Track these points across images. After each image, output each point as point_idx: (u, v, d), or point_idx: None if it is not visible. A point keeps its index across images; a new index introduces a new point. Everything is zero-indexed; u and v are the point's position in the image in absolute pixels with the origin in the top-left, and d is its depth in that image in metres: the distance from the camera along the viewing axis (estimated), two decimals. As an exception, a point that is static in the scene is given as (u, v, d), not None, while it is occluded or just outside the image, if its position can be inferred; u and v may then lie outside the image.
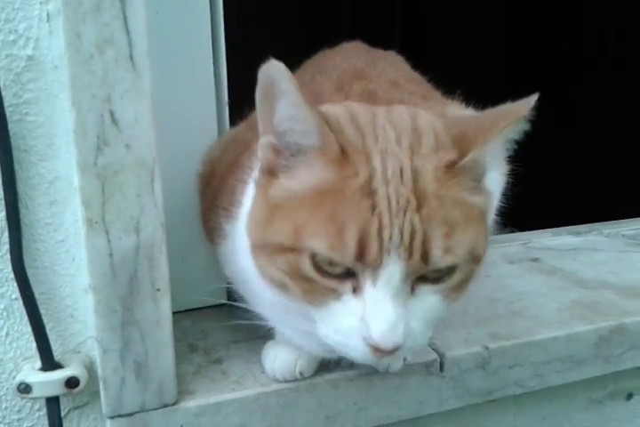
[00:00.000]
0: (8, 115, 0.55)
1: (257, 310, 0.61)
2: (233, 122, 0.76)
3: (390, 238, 0.46)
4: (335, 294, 0.48)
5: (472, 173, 0.50)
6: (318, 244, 0.46)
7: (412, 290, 0.49)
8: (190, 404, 0.60)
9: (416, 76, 0.76)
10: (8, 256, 0.57)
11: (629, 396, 0.92)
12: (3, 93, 0.54)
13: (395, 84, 0.68)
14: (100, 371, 0.57)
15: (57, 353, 0.61)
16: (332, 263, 0.47)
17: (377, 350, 0.47)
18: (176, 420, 0.60)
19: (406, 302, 0.48)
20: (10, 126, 0.55)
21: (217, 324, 0.77)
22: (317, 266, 0.47)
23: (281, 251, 0.48)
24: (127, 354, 0.57)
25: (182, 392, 0.61)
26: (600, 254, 1.08)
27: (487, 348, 0.72)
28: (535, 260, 1.06)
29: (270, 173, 0.51)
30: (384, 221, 0.46)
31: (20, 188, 0.56)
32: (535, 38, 1.39)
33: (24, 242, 0.57)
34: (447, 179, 0.48)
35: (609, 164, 1.53)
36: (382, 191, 0.47)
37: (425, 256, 0.47)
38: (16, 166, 0.55)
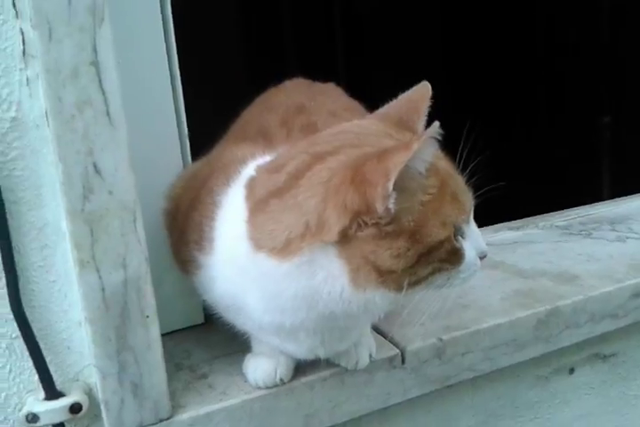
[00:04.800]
0: (-4, 171, 0.60)
1: (241, 328, 0.68)
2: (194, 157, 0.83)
3: None
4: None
5: None
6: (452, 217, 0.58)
7: None
8: (184, 417, 0.67)
9: (353, 104, 0.84)
10: (6, 298, 0.62)
11: (571, 370, 1.04)
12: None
13: (333, 114, 0.76)
14: (100, 395, 0.63)
15: (58, 383, 0.66)
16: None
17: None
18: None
19: None
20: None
21: (198, 343, 0.84)
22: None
23: (439, 247, 0.57)
24: (124, 377, 0.63)
25: (175, 407, 0.68)
26: (536, 246, 1.19)
27: (441, 339, 0.82)
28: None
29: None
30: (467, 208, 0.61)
31: (13, 235, 0.61)
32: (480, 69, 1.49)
33: (20, 284, 0.62)
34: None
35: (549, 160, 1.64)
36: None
37: None
38: (8, 216, 0.61)
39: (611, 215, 1.38)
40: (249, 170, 0.65)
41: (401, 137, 0.61)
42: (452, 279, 0.59)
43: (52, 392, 0.65)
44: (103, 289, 0.61)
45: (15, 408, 0.66)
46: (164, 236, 0.77)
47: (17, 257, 0.62)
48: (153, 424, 0.66)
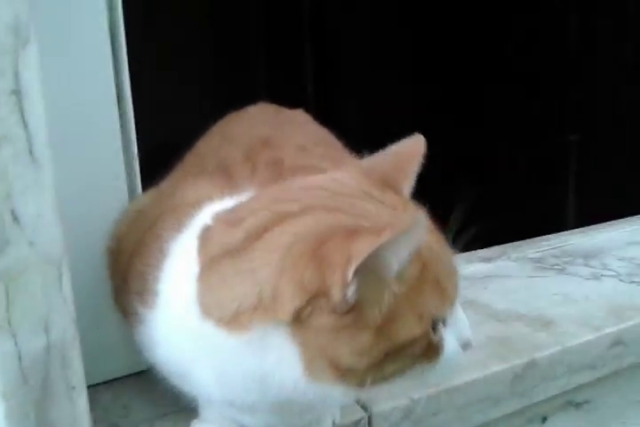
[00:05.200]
0: None
1: (189, 393, 0.59)
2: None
3: None
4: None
5: None
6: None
7: None
8: None
9: (325, 135, 0.76)
10: None
11: (544, 419, 0.98)
12: None
13: (302, 149, 0.67)
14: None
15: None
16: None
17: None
18: None
19: None
20: None
21: (139, 396, 0.74)
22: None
23: (412, 344, 0.48)
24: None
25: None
26: (510, 282, 1.13)
27: (411, 399, 0.74)
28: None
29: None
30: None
31: None
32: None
33: None
34: None
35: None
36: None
37: None
38: None
39: (583, 248, 1.34)
40: (205, 216, 0.56)
41: (386, 199, 0.53)
42: (427, 373, 0.51)
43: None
44: (20, 358, 0.51)
45: None
46: (104, 276, 0.67)
47: None
48: None
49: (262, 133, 0.69)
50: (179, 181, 0.65)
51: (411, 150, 0.56)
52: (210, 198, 0.58)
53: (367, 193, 0.52)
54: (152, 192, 0.69)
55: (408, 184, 0.55)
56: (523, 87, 1.54)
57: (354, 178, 0.55)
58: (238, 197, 0.57)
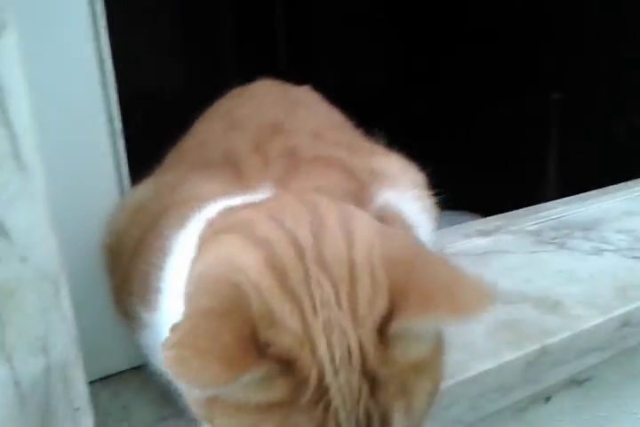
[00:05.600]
0: None
1: None
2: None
3: None
4: None
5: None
6: None
7: None
8: None
9: (337, 117, 0.69)
10: None
11: (547, 399, 0.97)
12: None
13: (317, 135, 0.61)
14: None
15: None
16: None
17: None
18: None
19: None
20: None
21: (141, 393, 0.70)
22: None
23: None
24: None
25: None
26: (511, 258, 1.10)
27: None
28: (451, 269, 1.07)
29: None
30: (341, 418, 0.40)
31: None
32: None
33: None
34: (387, 343, 0.41)
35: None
36: (335, 384, 0.40)
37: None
38: None
39: (580, 220, 1.31)
40: (210, 213, 0.51)
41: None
42: None
43: None
44: (17, 383, 0.46)
45: None
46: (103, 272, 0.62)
47: None
48: None
49: (272, 117, 0.62)
50: (180, 174, 0.59)
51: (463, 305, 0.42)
52: (216, 196, 0.53)
53: (351, 272, 0.43)
54: (150, 183, 0.63)
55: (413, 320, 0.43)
56: (501, 44, 1.48)
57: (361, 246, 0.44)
58: (251, 196, 0.51)
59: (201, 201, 0.52)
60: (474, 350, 0.80)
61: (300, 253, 0.42)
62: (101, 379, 0.72)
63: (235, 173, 0.55)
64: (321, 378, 0.39)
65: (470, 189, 1.31)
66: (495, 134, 1.51)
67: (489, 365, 0.77)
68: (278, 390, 0.39)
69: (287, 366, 0.39)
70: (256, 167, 0.55)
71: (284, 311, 0.39)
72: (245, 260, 0.42)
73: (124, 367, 0.73)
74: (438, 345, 0.46)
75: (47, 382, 0.47)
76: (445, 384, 0.73)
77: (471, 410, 0.76)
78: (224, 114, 0.66)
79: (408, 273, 0.42)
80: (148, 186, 0.63)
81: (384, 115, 1.15)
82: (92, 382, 0.68)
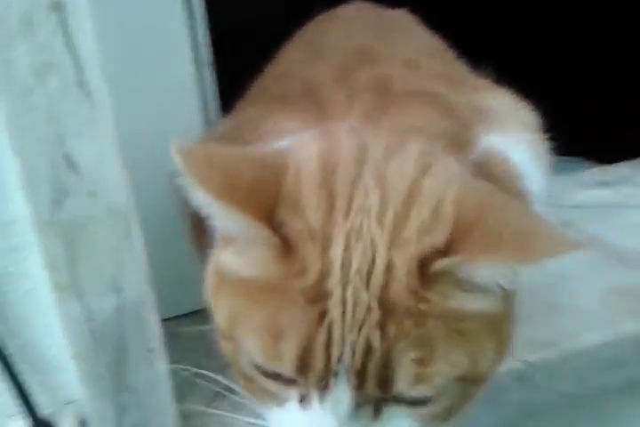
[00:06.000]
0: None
1: None
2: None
3: (340, 358, 0.35)
4: (278, 400, 0.39)
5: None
6: (252, 348, 0.37)
7: (378, 411, 0.38)
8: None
9: (438, 46, 0.61)
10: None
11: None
12: None
13: (412, 64, 0.54)
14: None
15: (46, 406, 0.54)
16: None
17: None
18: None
19: (365, 426, 0.38)
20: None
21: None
22: (257, 366, 0.38)
23: (221, 334, 0.40)
24: (124, 421, 0.50)
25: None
26: (635, 214, 0.98)
27: (526, 361, 0.65)
28: (568, 224, 0.96)
29: (224, 237, 0.40)
30: (334, 335, 0.35)
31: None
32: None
33: None
34: (427, 281, 0.36)
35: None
36: (338, 294, 0.35)
37: (384, 384, 0.36)
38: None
39: None
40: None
41: None
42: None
43: (34, 420, 0.52)
44: (90, 320, 0.45)
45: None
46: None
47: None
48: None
49: (360, 43, 0.55)
50: (261, 109, 0.55)
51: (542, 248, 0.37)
52: (293, 134, 0.48)
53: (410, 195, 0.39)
54: (232, 119, 0.59)
55: (474, 259, 0.37)
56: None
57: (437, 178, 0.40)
58: None
59: (277, 141, 0.48)
60: (586, 317, 0.71)
61: (360, 159, 0.39)
62: (176, 317, 0.72)
63: (316, 109, 0.49)
64: (323, 278, 0.35)
65: (591, 132, 1.16)
66: (624, 72, 1.33)
67: (604, 335, 0.68)
68: (273, 270, 0.36)
69: (289, 250, 0.36)
70: (339, 103, 0.49)
71: (312, 203, 0.37)
72: (305, 148, 0.40)
73: (198, 307, 0.73)
74: (499, 314, 0.39)
75: (120, 322, 0.47)
76: (551, 353, 0.67)
77: (579, 384, 0.69)
78: (307, 41, 0.60)
79: (478, 213, 0.37)
80: (229, 122, 0.59)
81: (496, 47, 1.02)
82: (166, 321, 0.69)
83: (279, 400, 0.39)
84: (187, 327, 0.64)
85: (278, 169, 0.37)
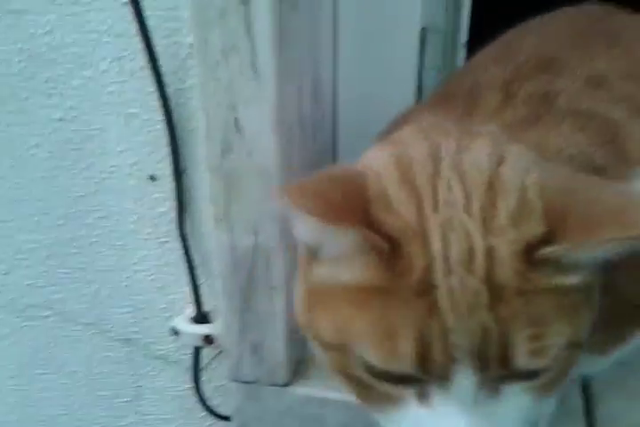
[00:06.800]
0: (174, 99, 0.59)
1: None
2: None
3: (457, 345, 0.36)
4: (394, 401, 0.40)
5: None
6: (367, 353, 0.38)
7: (497, 391, 0.38)
8: (298, 391, 0.63)
9: None
10: (175, 222, 0.65)
11: None
12: (169, 79, 0.57)
13: (598, 82, 0.48)
14: (221, 342, 0.63)
15: (206, 307, 0.70)
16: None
17: None
18: (284, 401, 0.64)
19: (487, 408, 0.38)
20: (175, 109, 0.59)
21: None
22: (371, 369, 0.39)
23: (326, 346, 0.42)
24: (245, 335, 0.61)
25: (296, 377, 0.64)
26: None
27: None
28: None
29: (310, 249, 0.42)
30: (448, 324, 0.36)
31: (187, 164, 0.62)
32: None
33: (187, 212, 0.65)
34: (532, 264, 0.36)
35: None
36: (444, 285, 0.36)
37: (505, 362, 0.37)
38: (182, 149, 0.61)
39: None
40: None
41: None
42: None
43: (197, 316, 0.68)
44: (233, 249, 0.57)
45: (166, 320, 0.72)
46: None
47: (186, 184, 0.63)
48: (267, 386, 0.64)
49: (552, 50, 0.52)
50: (427, 103, 0.56)
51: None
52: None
53: (490, 185, 0.38)
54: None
55: (576, 245, 0.37)
56: None
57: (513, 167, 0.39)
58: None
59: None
60: None
61: (435, 156, 0.40)
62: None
63: (465, 110, 0.48)
64: (428, 271, 0.36)
65: None
66: None
67: None
68: (380, 272, 0.37)
69: (394, 249, 0.37)
70: (490, 108, 0.47)
71: (400, 199, 0.38)
72: (377, 155, 0.42)
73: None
74: (593, 281, 0.39)
75: (254, 258, 0.57)
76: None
77: None
78: (506, 42, 0.56)
79: (565, 197, 0.37)
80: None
81: None
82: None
83: (396, 402, 0.40)
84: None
85: (359, 178, 0.39)
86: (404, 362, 0.37)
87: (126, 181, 0.65)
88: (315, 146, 0.61)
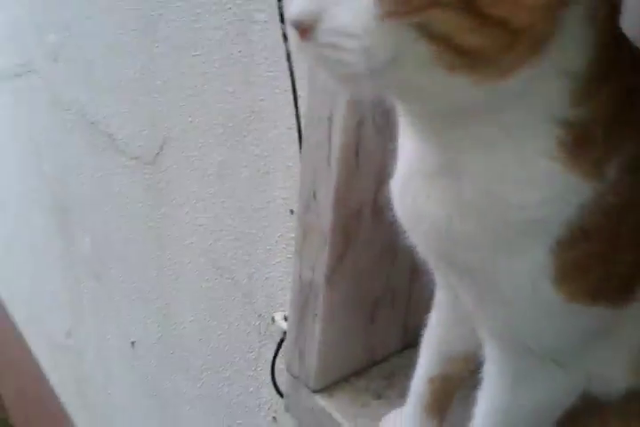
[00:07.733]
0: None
1: None
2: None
3: None
4: None
5: None
6: None
7: None
8: (319, 400, 0.79)
9: None
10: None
11: None
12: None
13: None
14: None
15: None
16: None
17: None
18: (309, 402, 0.80)
19: None
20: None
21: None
22: None
23: None
24: (297, 342, 0.80)
25: (327, 390, 0.80)
26: None
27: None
28: None
29: None
30: None
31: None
32: None
33: None
34: None
35: None
36: None
37: None
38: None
39: None
40: None
41: None
42: None
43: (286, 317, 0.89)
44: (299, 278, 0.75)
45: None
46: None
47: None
48: (304, 385, 0.81)
49: None
50: None
51: None
52: None
53: None
54: None
55: None
56: None
57: None
58: None
59: None
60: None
61: None
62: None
63: None
64: None
65: None
66: None
67: None
68: None
69: None
70: None
71: None
72: None
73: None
74: None
75: (310, 288, 0.74)
76: None
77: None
78: None
79: None
80: None
81: None
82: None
83: None
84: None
85: None
86: None
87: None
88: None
